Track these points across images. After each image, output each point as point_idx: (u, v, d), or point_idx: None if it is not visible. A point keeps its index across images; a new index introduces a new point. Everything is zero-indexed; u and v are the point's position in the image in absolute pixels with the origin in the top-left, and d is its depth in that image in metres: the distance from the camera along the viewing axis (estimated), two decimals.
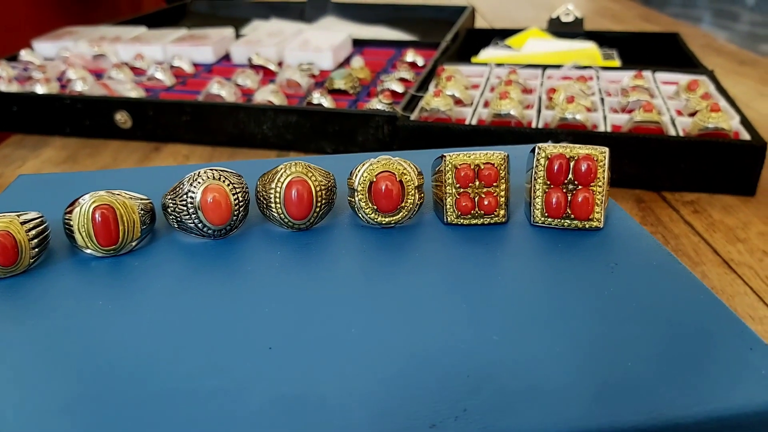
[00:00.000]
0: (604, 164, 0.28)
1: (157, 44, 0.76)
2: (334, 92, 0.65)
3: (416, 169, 0.29)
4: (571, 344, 0.22)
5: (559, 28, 0.83)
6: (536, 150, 0.29)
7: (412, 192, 0.29)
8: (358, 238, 0.29)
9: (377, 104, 0.60)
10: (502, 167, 0.29)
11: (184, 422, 0.19)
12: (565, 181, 0.28)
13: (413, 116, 0.56)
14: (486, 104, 0.60)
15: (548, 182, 0.28)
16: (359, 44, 0.81)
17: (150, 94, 0.67)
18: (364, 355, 0.22)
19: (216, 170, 0.29)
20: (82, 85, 0.66)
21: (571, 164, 0.28)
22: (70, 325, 0.24)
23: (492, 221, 0.29)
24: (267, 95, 0.62)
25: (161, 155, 0.61)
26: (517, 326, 0.23)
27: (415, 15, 1.00)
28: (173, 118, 0.62)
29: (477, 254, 0.27)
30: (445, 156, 0.29)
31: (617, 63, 0.75)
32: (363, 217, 0.29)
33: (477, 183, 0.29)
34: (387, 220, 0.29)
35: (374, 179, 0.29)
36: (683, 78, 0.63)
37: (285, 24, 0.91)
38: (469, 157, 0.29)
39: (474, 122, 0.56)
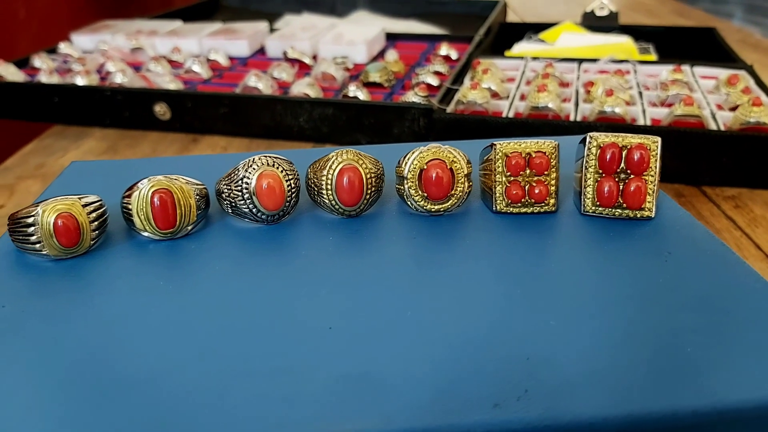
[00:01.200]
0: (657, 154, 0.28)
1: (193, 38, 0.77)
2: (369, 85, 0.65)
3: (465, 157, 0.30)
4: (627, 330, 0.22)
5: (593, 23, 0.83)
6: (587, 139, 0.29)
7: (462, 180, 0.29)
8: (407, 225, 0.29)
9: (413, 97, 0.60)
10: (553, 156, 0.29)
11: (250, 400, 0.20)
12: (617, 170, 0.28)
13: (449, 109, 0.56)
14: (522, 97, 0.60)
15: (600, 171, 0.28)
16: (392, 38, 0.82)
17: (188, 86, 0.68)
18: (421, 338, 0.22)
19: (270, 157, 0.29)
20: (121, 77, 0.67)
21: (624, 153, 0.28)
22: (133, 302, 0.24)
23: (542, 210, 0.29)
24: (303, 88, 0.63)
25: (199, 147, 0.62)
26: (572, 312, 0.23)
27: (447, 9, 1.00)
28: (211, 110, 0.62)
29: (528, 242, 0.28)
30: (495, 144, 0.29)
31: (653, 57, 0.74)
32: (412, 204, 0.30)
33: (528, 171, 0.29)
34: (436, 207, 0.29)
35: (425, 167, 0.29)
36: (722, 72, 0.62)
37: (317, 18, 0.92)
38: (520, 145, 0.29)
39: (511, 115, 0.56)
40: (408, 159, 0.29)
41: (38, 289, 0.26)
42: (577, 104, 0.57)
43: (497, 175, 0.29)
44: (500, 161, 0.29)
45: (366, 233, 0.29)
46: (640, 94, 0.59)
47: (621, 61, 0.67)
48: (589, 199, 0.29)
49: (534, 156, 0.29)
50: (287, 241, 0.29)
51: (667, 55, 0.76)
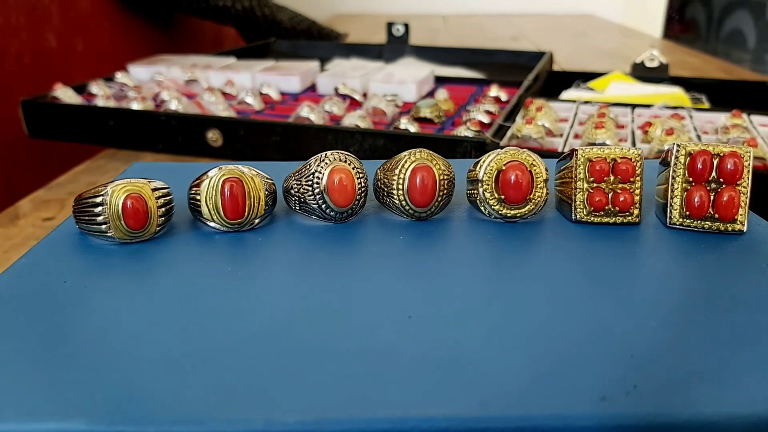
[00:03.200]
0: (749, 164, 0.27)
1: (246, 72, 0.79)
2: (420, 120, 0.65)
3: (543, 163, 0.29)
4: (736, 332, 0.20)
5: (643, 73, 0.82)
6: (675, 148, 0.27)
7: (541, 185, 0.28)
8: (481, 230, 0.28)
9: (465, 131, 0.59)
10: (639, 164, 0.28)
11: (335, 379, 0.18)
12: (708, 179, 0.27)
13: (502, 142, 0.56)
14: (576, 136, 0.59)
15: (690, 179, 0.27)
16: (441, 81, 0.82)
17: (240, 116, 0.68)
18: (511, 329, 0.20)
19: (342, 153, 0.28)
20: (176, 104, 0.68)
21: (715, 162, 0.27)
22: (200, 284, 0.23)
23: (625, 221, 0.28)
24: (355, 120, 0.63)
25: None
26: (671, 315, 0.21)
27: (493, 59, 1.01)
28: (263, 138, 0.63)
29: (613, 249, 0.26)
30: (576, 150, 0.28)
31: (706, 106, 0.73)
32: (486, 209, 0.29)
33: (612, 178, 0.28)
34: (513, 212, 0.28)
35: (503, 168, 0.28)
36: None
37: (366, 62, 0.93)
38: (603, 151, 0.28)
39: (566, 152, 0.55)
40: (484, 162, 0.28)
41: (101, 269, 0.25)
42: (634, 143, 0.56)
43: (578, 182, 0.28)
44: (582, 167, 0.28)
45: (438, 234, 0.28)
46: (699, 137, 0.57)
47: (676, 108, 0.66)
48: (676, 210, 0.27)
49: (619, 162, 0.27)
50: (357, 238, 0.27)
51: (720, 105, 0.75)
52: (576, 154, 0.28)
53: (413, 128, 0.61)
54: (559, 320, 0.21)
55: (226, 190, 0.27)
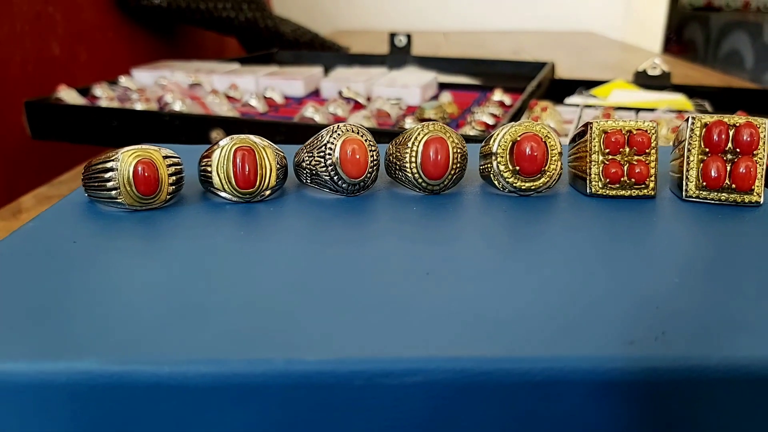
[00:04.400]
0: (765, 135, 0.26)
1: (250, 77, 0.79)
2: (425, 121, 0.65)
3: (557, 137, 0.28)
4: (758, 288, 0.20)
5: (645, 81, 0.83)
6: (690, 120, 0.27)
7: (556, 157, 0.28)
8: (495, 203, 0.28)
9: (470, 131, 0.59)
10: (654, 136, 0.27)
11: (353, 325, 0.18)
12: (725, 150, 0.27)
13: None
14: None
15: (706, 150, 0.27)
16: (444, 87, 0.82)
17: (245, 117, 0.68)
18: (534, 284, 0.20)
19: (353, 125, 0.28)
20: (180, 104, 0.68)
21: (731, 133, 0.27)
22: (213, 245, 0.23)
23: (640, 193, 0.28)
24: (360, 120, 0.63)
25: None
26: (695, 273, 0.21)
27: (495, 69, 1.01)
28: (267, 137, 0.62)
29: (629, 220, 0.26)
30: (591, 123, 0.28)
31: (710, 111, 0.73)
32: (500, 182, 0.28)
33: (627, 150, 0.27)
34: (527, 185, 0.28)
35: (518, 139, 0.27)
36: None
37: (370, 69, 0.94)
38: (617, 123, 0.28)
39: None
40: (498, 134, 0.28)
41: (112, 232, 0.24)
42: None
43: (593, 155, 0.28)
44: (597, 139, 0.28)
45: (451, 206, 0.27)
46: None
47: (680, 111, 0.66)
48: (692, 182, 0.27)
49: (635, 133, 0.27)
50: (370, 209, 0.27)
51: (723, 111, 0.75)
52: (591, 126, 0.28)
53: None
54: (580, 277, 0.21)
55: (237, 158, 0.27)
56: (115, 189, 0.25)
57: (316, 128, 0.60)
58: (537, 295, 0.19)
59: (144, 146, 0.26)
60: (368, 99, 0.75)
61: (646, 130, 0.27)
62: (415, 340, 0.17)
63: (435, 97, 0.77)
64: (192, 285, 0.20)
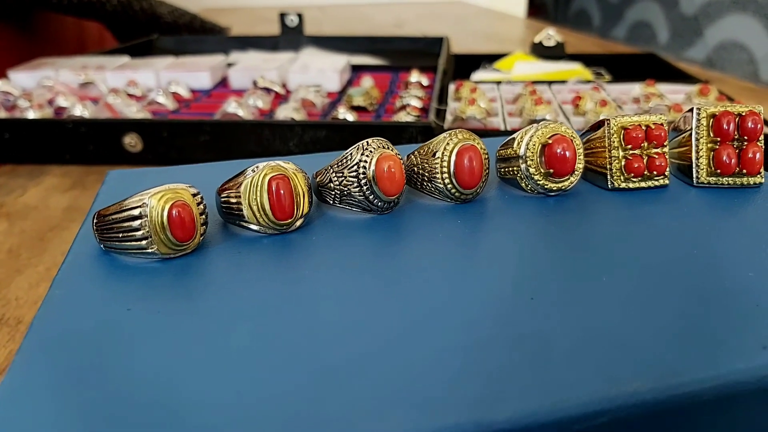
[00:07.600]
0: (763, 121, 0.29)
1: (148, 71, 0.73)
2: (354, 109, 0.64)
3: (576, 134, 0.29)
4: None
5: (542, 52, 0.86)
6: (695, 111, 0.29)
7: (581, 156, 0.28)
8: (530, 206, 0.28)
9: (405, 117, 0.59)
10: (667, 129, 0.29)
11: (520, 376, 0.17)
12: (733, 138, 0.28)
13: (447, 125, 0.56)
14: (510, 115, 0.61)
15: (717, 139, 0.28)
16: (355, 69, 0.81)
17: (157, 116, 0.63)
18: (665, 301, 0.20)
19: (380, 140, 0.27)
20: (81, 109, 0.61)
21: (737, 121, 0.28)
22: (277, 291, 0.21)
23: (659, 183, 0.29)
24: (289, 113, 0.60)
25: None
26: None
27: (391, 46, 1.01)
28: (190, 139, 0.58)
29: (662, 210, 0.27)
30: (609, 120, 0.29)
31: (608, 79, 0.78)
32: (528, 185, 0.28)
33: (645, 144, 0.28)
34: (558, 186, 0.28)
35: (548, 141, 0.28)
36: (683, 89, 0.66)
37: (268, 54, 0.90)
38: (633, 119, 0.28)
39: (509, 129, 0.56)
40: (522, 138, 0.28)
41: (161, 292, 0.21)
42: (567, 118, 0.58)
43: (613, 150, 0.28)
44: (617, 135, 0.28)
45: (489, 215, 0.27)
46: (620, 107, 0.61)
47: (589, 81, 0.70)
48: (703, 169, 0.29)
49: (653, 128, 0.28)
50: (412, 227, 0.26)
51: (618, 78, 0.81)
52: (609, 124, 0.28)
53: (351, 117, 0.60)
54: (665, 279, 0.21)
55: (273, 188, 0.24)
56: (146, 238, 0.22)
57: (245, 125, 0.57)
58: (663, 321, 0.20)
59: (171, 186, 0.23)
60: (283, 87, 0.72)
61: (662, 124, 0.28)
62: (546, 381, 0.17)
63: (350, 82, 0.76)
64: (318, 343, 0.18)
